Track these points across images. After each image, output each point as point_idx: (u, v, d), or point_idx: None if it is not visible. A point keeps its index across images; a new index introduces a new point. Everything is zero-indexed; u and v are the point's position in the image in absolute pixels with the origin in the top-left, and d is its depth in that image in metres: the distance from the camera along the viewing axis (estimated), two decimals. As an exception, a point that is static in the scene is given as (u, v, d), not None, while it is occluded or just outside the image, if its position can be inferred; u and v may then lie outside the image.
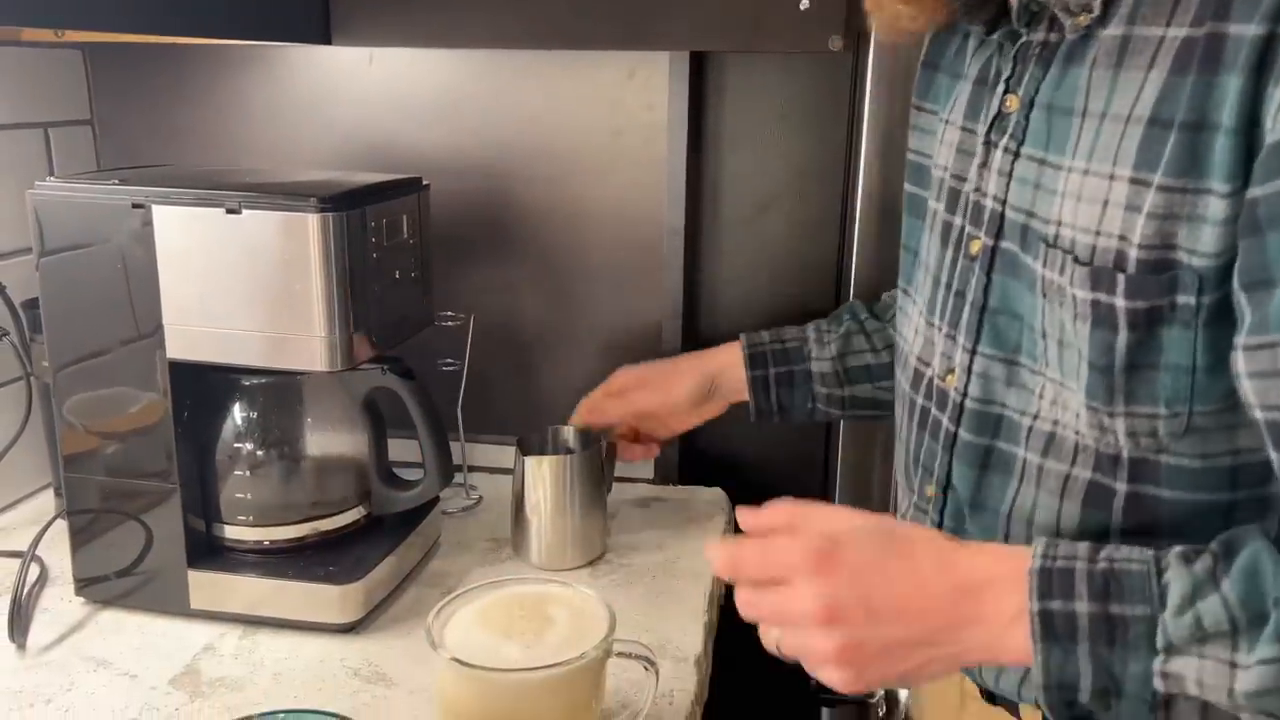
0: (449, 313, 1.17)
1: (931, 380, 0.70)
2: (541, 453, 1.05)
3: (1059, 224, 0.59)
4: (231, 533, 0.93)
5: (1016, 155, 0.63)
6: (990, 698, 0.72)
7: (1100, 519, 0.60)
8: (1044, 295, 0.60)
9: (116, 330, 0.87)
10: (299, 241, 0.82)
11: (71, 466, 0.92)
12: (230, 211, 0.82)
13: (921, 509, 0.72)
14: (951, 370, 0.68)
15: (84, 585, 0.94)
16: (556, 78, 1.17)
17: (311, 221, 0.82)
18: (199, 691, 0.82)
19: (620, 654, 0.73)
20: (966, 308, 0.67)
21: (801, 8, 1.05)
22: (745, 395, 0.96)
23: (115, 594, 0.93)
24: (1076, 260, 0.57)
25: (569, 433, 1.07)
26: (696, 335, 1.25)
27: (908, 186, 0.79)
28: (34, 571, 0.98)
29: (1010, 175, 0.63)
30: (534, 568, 1.02)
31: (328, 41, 1.06)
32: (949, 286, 0.68)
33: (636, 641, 0.75)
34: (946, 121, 0.72)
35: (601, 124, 1.18)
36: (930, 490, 0.71)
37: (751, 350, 0.94)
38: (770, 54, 1.16)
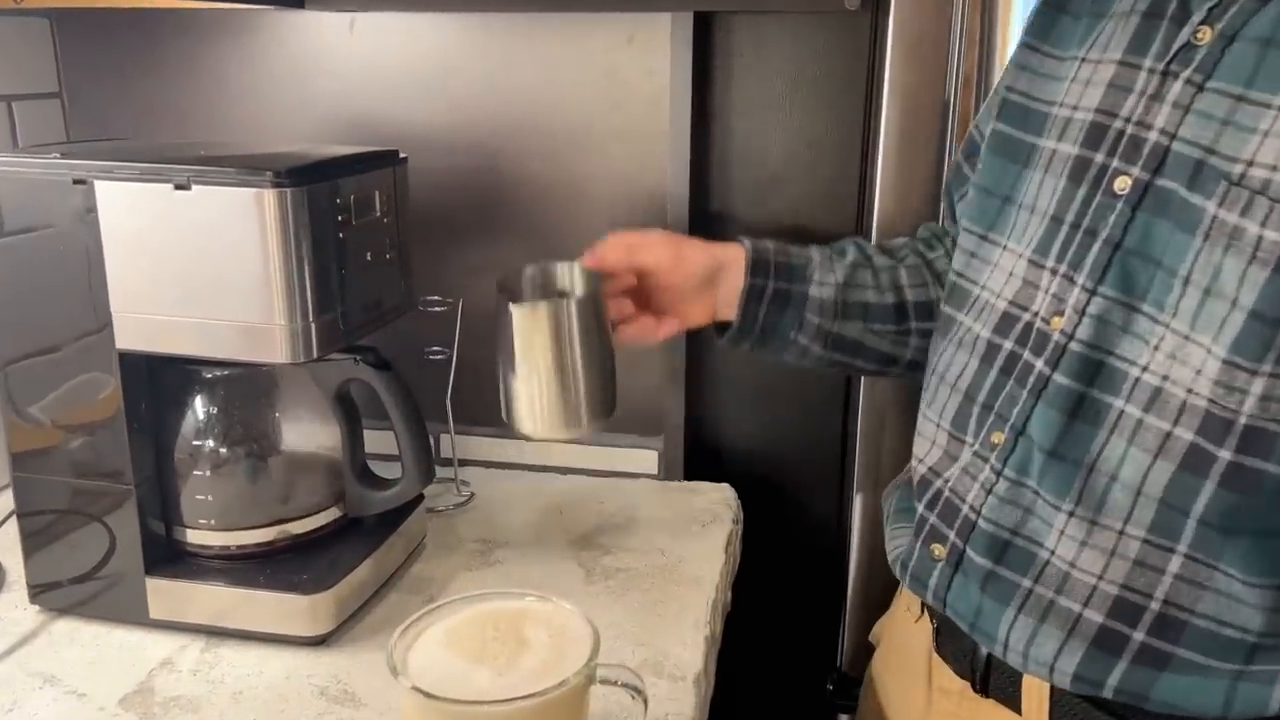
0: (435, 297, 1.09)
1: (1030, 325, 0.65)
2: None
3: (1250, 163, 0.55)
4: (194, 537, 0.86)
5: (1200, 89, 0.59)
6: (985, 686, 0.68)
7: (1192, 484, 0.57)
8: (1205, 237, 0.57)
9: (62, 319, 0.80)
10: (254, 220, 0.75)
11: (21, 465, 0.85)
12: (179, 187, 0.75)
13: (981, 456, 0.67)
14: (1060, 312, 0.63)
15: (39, 591, 0.87)
16: (550, 44, 1.09)
17: (268, 198, 0.74)
18: (150, 713, 0.75)
19: (603, 680, 0.66)
20: (1096, 245, 0.62)
21: (815, -37, 0.96)
22: (733, 306, 0.81)
23: (72, 601, 0.87)
24: (1274, 200, 0.54)
25: (561, 273, 0.81)
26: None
27: (1001, 127, 0.72)
28: (-10, 575, 0.92)
29: (1188, 108, 0.59)
30: (537, 438, 0.79)
31: (300, 5, 0.98)
32: (1075, 226, 0.63)
33: (622, 666, 0.67)
34: (1084, 60, 0.67)
35: (598, 93, 1.09)
36: (998, 437, 0.66)
37: (756, 255, 0.81)
38: (781, 14, 1.07)
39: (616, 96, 1.09)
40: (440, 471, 0.98)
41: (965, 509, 0.67)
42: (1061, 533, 0.61)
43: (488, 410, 1.19)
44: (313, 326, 0.78)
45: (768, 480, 1.20)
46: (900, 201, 1.04)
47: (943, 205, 0.88)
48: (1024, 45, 0.73)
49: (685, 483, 1.16)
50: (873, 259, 0.84)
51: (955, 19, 1.04)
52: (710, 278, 0.81)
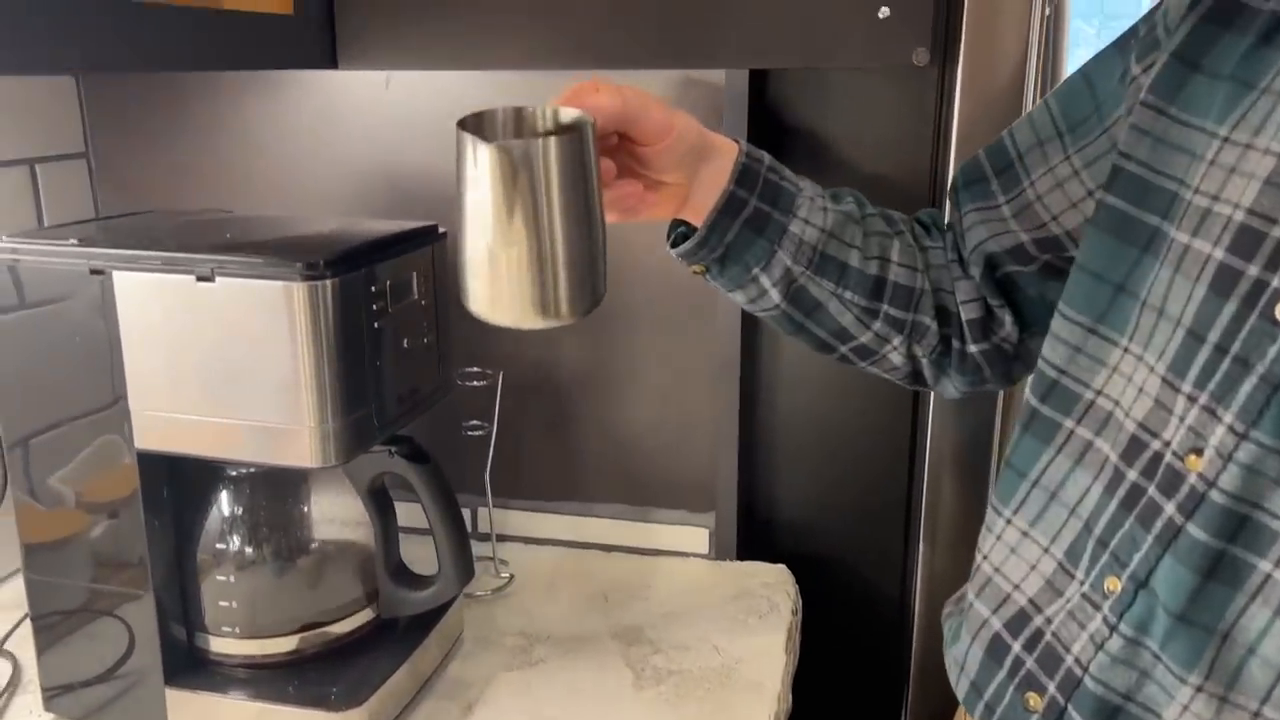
0: (474, 369, 1.03)
1: (1159, 456, 0.56)
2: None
3: None
4: (217, 645, 0.80)
5: None
6: None
7: None
8: None
9: (79, 408, 0.75)
10: (282, 315, 0.69)
11: (33, 563, 0.80)
12: (202, 279, 0.69)
13: (1092, 602, 0.58)
14: (1198, 450, 0.54)
15: (53, 695, 0.82)
16: (596, 100, 1.02)
17: (297, 291, 0.68)
18: None
19: None
20: (1251, 380, 0.52)
21: (880, 15, 0.89)
22: (703, 209, 0.69)
23: (88, 708, 0.81)
24: None
25: (540, 118, 0.62)
26: (756, 379, 1.10)
27: (1113, 201, 0.63)
28: (4, 670, 0.87)
29: None
30: (499, 323, 0.60)
31: (333, 65, 0.93)
32: (1220, 349, 0.54)
33: None
34: (1227, 140, 0.56)
35: (647, 153, 1.03)
36: (1113, 584, 0.57)
37: (748, 159, 0.69)
38: (841, 70, 1.01)
39: (666, 157, 1.03)
40: (476, 547, 0.92)
41: (1070, 661, 0.59)
42: (1185, 707, 0.53)
43: (528, 483, 1.14)
44: (344, 427, 0.72)
45: (827, 559, 1.12)
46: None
47: (949, 203, 0.78)
48: (1145, 105, 0.62)
49: (739, 563, 1.09)
50: (867, 219, 0.74)
51: (1030, 70, 0.97)
52: (694, 158, 0.67)
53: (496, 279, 0.57)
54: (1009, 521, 0.66)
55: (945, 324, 0.75)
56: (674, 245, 0.72)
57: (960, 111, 0.96)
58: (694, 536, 1.11)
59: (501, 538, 1.13)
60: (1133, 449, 0.58)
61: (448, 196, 1.05)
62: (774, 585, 1.04)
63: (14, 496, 0.79)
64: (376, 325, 0.74)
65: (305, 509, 0.82)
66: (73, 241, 0.73)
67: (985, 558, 0.67)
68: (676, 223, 0.72)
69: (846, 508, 1.13)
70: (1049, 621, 0.61)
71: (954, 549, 1.10)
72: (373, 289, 0.73)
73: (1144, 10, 0.68)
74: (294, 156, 1.09)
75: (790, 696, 0.91)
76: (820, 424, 1.12)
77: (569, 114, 0.61)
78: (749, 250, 0.70)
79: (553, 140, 0.55)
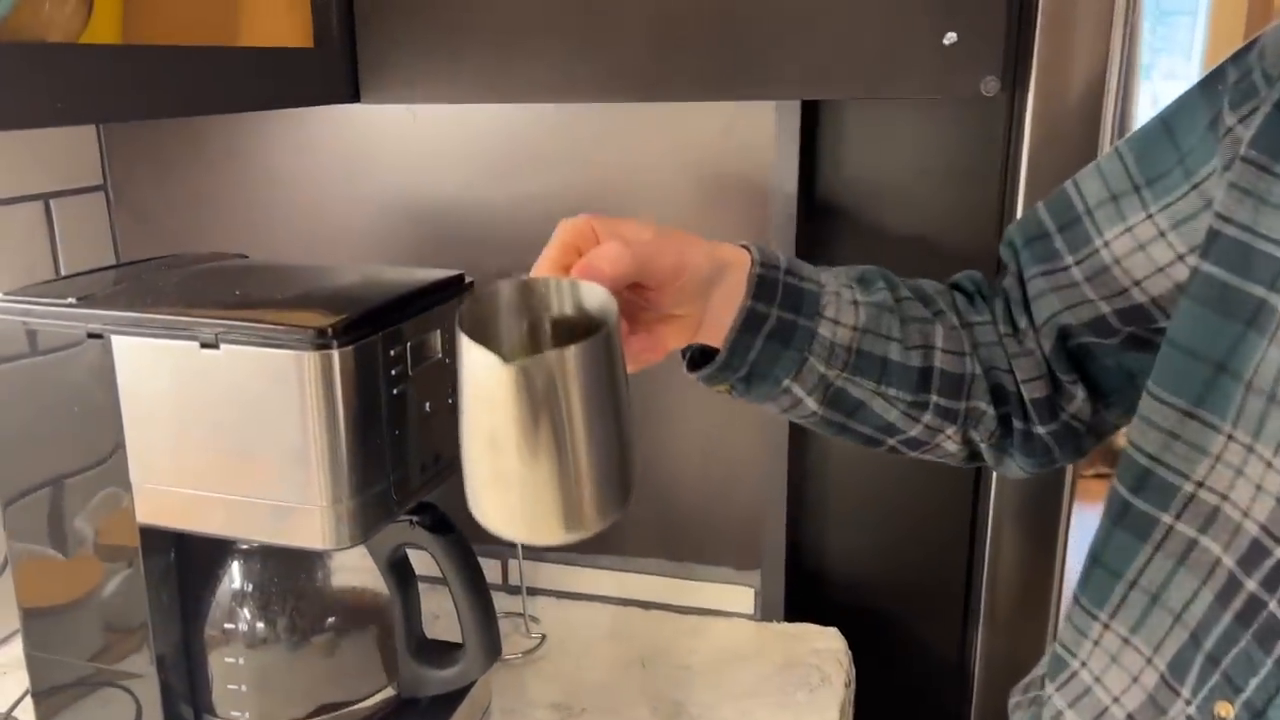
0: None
1: None
2: (518, 348, 0.54)
3: None
4: (226, 728, 0.75)
5: None
6: None
7: None
8: None
9: (76, 485, 0.69)
10: (292, 386, 0.63)
11: (33, 639, 0.75)
12: (206, 345, 0.63)
13: None
14: None
15: (58, 776, 0.77)
16: (637, 134, 0.96)
17: (308, 361, 0.62)
18: None
19: None
20: None
21: (946, 42, 0.81)
22: (722, 329, 0.61)
23: (93, 790, 0.76)
24: None
25: (551, 293, 0.54)
26: (804, 436, 1.03)
27: (1211, 269, 0.55)
28: (10, 744, 0.82)
29: None
30: (519, 542, 0.57)
31: (355, 99, 0.87)
32: None
33: None
34: None
35: (690, 189, 0.96)
36: (1225, 709, 0.50)
37: (763, 268, 0.61)
38: (901, 101, 0.93)
39: (711, 193, 0.96)
40: (506, 602, 0.85)
41: None
42: None
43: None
44: (360, 506, 0.66)
45: (885, 621, 1.05)
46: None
47: (1002, 255, 0.69)
48: (1246, 162, 0.54)
49: (787, 625, 1.02)
50: (903, 304, 0.66)
51: (1108, 99, 0.89)
52: (707, 285, 0.60)
53: (516, 499, 0.49)
54: (1106, 626, 0.59)
55: (1003, 404, 0.67)
56: (691, 367, 0.64)
57: (1031, 142, 0.88)
58: (738, 596, 1.04)
59: (532, 591, 1.07)
60: (1254, 555, 0.50)
61: (476, 238, 1.00)
62: (825, 653, 0.97)
63: (10, 557, 0.74)
64: (396, 391, 0.68)
65: (320, 584, 0.76)
66: (71, 301, 0.67)
67: (1084, 665, 0.60)
68: (694, 350, 0.65)
69: (901, 564, 1.06)
70: None
71: (1017, 610, 1.02)
72: (392, 353, 0.67)
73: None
74: (316, 189, 1.04)
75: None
76: (874, 474, 1.05)
77: (590, 295, 0.52)
78: (777, 364, 0.62)
79: (579, 348, 0.46)
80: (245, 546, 0.73)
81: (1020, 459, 0.69)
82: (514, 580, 1.07)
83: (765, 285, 0.61)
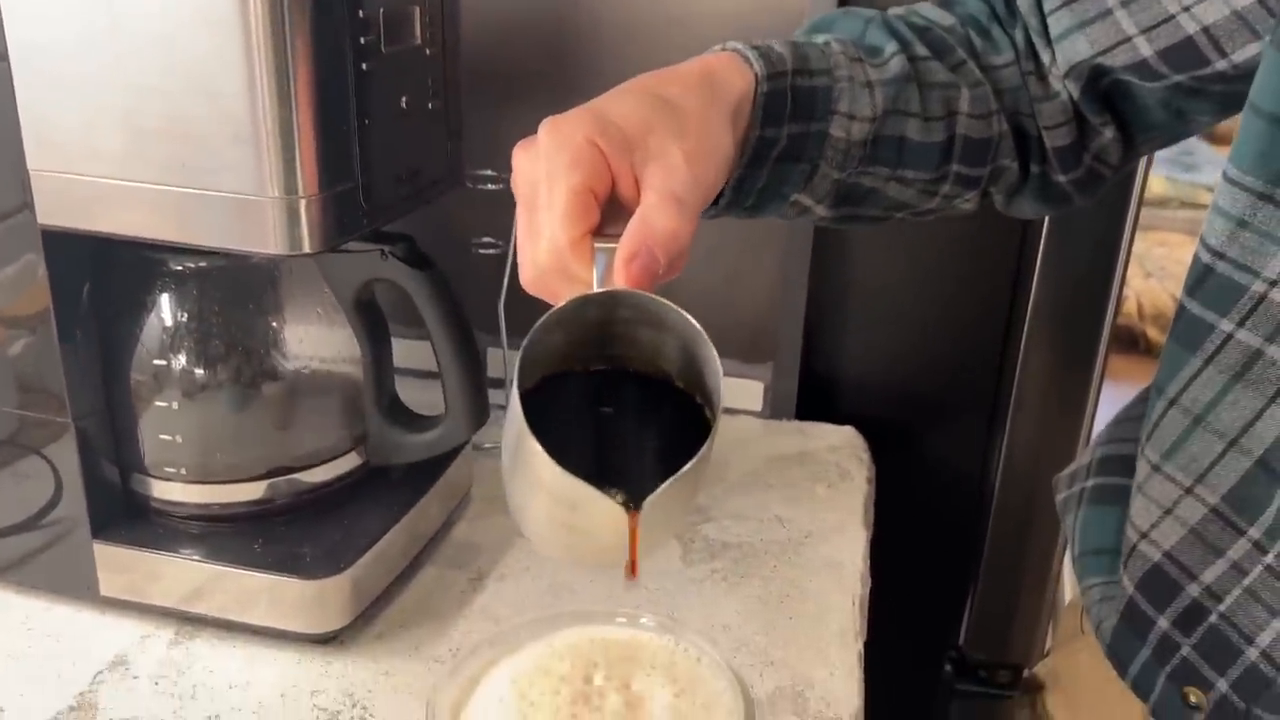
0: (489, 172, 0.84)
1: None
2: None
3: None
4: (160, 490, 0.63)
5: None
6: None
7: None
8: None
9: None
10: (235, 37, 0.49)
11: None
12: (118, -19, 0.49)
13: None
14: None
15: (-36, 547, 0.65)
16: None
17: (254, 1, 0.48)
18: (86, 747, 0.54)
19: None
20: None
21: None
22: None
23: (7, 561, 0.65)
24: None
25: (640, 314, 0.43)
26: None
27: (1192, 304, 0.47)
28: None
29: None
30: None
31: None
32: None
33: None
34: None
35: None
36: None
37: (771, 84, 0.50)
38: None
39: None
40: (489, 396, 0.74)
41: (1253, 654, 0.43)
42: None
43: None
44: (320, 203, 0.53)
45: (901, 420, 0.96)
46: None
47: None
48: (1229, 179, 0.46)
49: (798, 423, 0.92)
50: (920, 67, 0.54)
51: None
52: (737, 130, 0.50)
53: (585, 553, 0.47)
54: (1144, 454, 0.49)
55: (1024, 152, 0.57)
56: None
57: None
58: (746, 391, 0.93)
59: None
60: None
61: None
62: (842, 450, 0.87)
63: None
64: (364, 67, 0.54)
65: (273, 322, 0.63)
66: (-59, -72, 0.52)
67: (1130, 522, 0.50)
68: None
69: (925, 368, 0.96)
70: (1216, 600, 0.45)
71: (1052, 420, 0.94)
72: (360, 14, 0.53)
73: None
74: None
75: (871, 579, 0.75)
76: (901, 267, 0.94)
77: (667, 315, 0.42)
78: (785, 183, 0.53)
79: (682, 480, 0.40)
80: (178, 267, 0.60)
81: (1032, 203, 0.60)
82: (495, 371, 0.95)
83: (774, 101, 0.50)
